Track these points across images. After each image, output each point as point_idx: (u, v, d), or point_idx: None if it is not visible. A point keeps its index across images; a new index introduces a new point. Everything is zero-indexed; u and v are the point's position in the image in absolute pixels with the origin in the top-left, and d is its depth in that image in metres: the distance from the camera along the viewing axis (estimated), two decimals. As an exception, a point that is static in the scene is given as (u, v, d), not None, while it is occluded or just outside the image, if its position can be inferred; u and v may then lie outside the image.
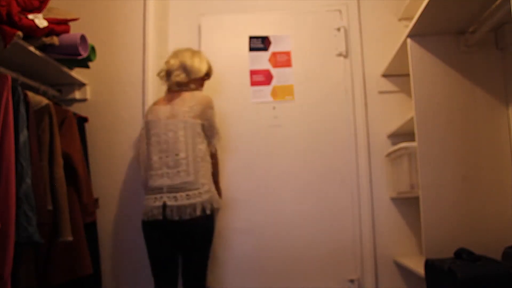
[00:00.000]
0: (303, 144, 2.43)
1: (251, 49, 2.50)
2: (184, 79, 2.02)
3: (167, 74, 2.05)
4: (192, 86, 2.04)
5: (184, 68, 2.02)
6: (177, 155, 1.87)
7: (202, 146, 1.92)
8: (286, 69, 2.49)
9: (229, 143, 2.42)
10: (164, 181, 1.86)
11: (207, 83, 2.22)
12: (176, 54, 2.08)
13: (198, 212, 1.82)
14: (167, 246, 1.91)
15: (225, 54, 2.52)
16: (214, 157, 2.04)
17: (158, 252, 1.92)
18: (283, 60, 2.50)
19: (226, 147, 2.40)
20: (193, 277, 1.94)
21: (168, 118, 1.94)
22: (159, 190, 1.86)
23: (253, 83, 2.48)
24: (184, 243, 1.91)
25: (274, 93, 2.47)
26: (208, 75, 2.14)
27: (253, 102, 2.47)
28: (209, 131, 1.99)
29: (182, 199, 1.82)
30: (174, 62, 2.04)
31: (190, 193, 1.83)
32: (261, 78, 2.48)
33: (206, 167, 1.92)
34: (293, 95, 2.47)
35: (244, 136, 2.45)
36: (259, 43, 2.50)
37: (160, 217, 1.83)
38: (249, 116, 2.47)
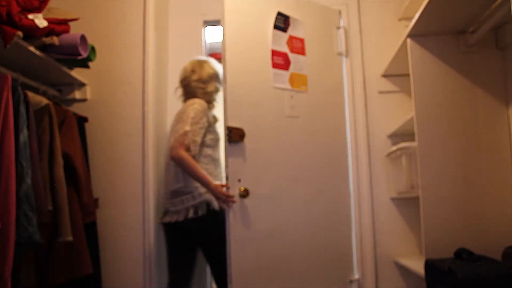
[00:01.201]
0: (309, 140, 2.29)
1: (276, 26, 2.21)
2: (182, 93, 2.21)
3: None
4: (190, 94, 2.16)
5: (183, 81, 2.20)
6: (168, 164, 2.10)
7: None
8: (301, 57, 2.31)
9: (253, 131, 2.07)
10: (166, 189, 2.11)
11: (235, 54, 2.05)
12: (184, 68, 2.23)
13: (191, 215, 1.93)
14: (176, 247, 2.10)
15: (249, 28, 2.17)
16: (175, 160, 1.92)
17: (169, 251, 2.12)
18: (298, 46, 2.31)
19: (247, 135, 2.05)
20: (215, 277, 2.08)
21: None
22: (165, 196, 2.12)
23: (274, 65, 2.18)
24: (189, 245, 2.07)
25: (291, 81, 2.24)
26: (203, 81, 2.16)
27: (274, 87, 2.16)
28: None
29: (177, 204, 1.98)
30: (181, 77, 2.22)
31: (183, 197, 1.97)
32: (281, 61, 2.21)
33: None
34: (307, 86, 2.31)
35: (266, 124, 2.12)
36: (282, 23, 2.24)
37: (164, 221, 2.05)
38: (270, 103, 2.15)
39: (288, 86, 2.21)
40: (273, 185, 2.10)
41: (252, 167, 2.03)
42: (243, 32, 2.13)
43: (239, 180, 1.97)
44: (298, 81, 2.26)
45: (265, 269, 2.04)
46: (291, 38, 2.27)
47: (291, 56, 2.25)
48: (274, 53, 2.19)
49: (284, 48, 2.23)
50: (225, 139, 1.97)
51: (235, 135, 1.98)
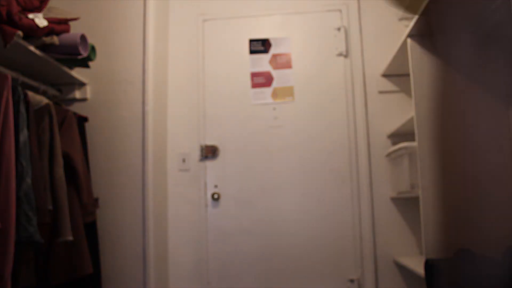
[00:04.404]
0: (303, 144, 2.45)
1: (252, 51, 2.54)
2: None
3: None
4: None
5: None
6: None
7: None
8: (286, 71, 2.52)
9: (231, 144, 2.48)
10: None
11: (207, 87, 2.41)
12: None
13: None
14: None
15: (226, 57, 2.57)
16: None
17: None
18: (283, 61, 2.53)
19: (228, 148, 2.48)
20: None
21: None
22: None
23: (254, 85, 2.53)
24: None
25: (274, 95, 2.51)
26: None
27: (254, 104, 2.51)
28: None
29: None
30: None
31: None
32: (261, 80, 2.52)
33: None
34: (293, 95, 2.49)
35: (245, 137, 2.49)
36: (259, 46, 2.54)
37: None
38: (250, 118, 2.51)
39: (270, 100, 2.52)
40: (249, 188, 2.44)
41: (227, 175, 2.46)
42: (221, 61, 2.55)
43: (216, 186, 2.45)
44: (282, 94, 2.51)
45: (235, 258, 2.38)
46: (275, 56, 2.53)
47: (274, 72, 2.54)
48: (254, 74, 2.54)
49: (266, 67, 2.54)
50: (199, 154, 2.46)
51: (207, 151, 2.47)
